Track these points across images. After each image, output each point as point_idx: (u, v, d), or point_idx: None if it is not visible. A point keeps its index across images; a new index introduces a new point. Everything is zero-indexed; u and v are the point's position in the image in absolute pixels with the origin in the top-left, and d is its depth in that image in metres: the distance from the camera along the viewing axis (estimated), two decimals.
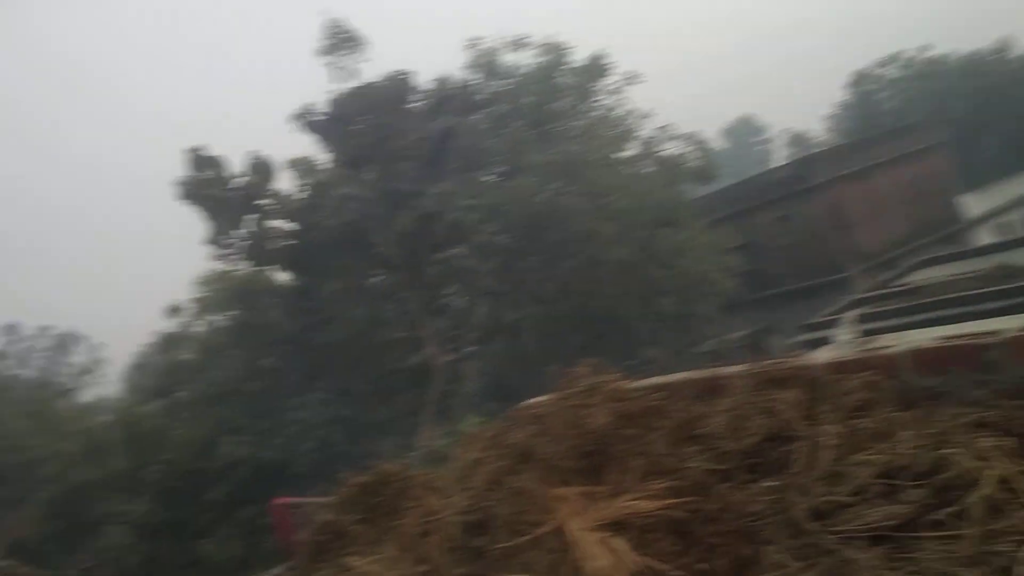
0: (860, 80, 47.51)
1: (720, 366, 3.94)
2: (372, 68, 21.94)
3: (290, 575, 6.92)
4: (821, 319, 23.93)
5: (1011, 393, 2.66)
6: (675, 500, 2.60)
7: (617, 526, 2.53)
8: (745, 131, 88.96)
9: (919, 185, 34.86)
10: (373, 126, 20.85)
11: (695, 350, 22.95)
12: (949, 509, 2.23)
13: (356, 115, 21.05)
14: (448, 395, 23.98)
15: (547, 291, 22.91)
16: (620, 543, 2.42)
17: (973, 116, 40.04)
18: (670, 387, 3.92)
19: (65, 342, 68.15)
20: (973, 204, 35.34)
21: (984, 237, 33.75)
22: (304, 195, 21.86)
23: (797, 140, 71.85)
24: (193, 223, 25.49)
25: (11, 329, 65.98)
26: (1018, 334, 2.67)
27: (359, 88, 20.87)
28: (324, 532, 6.07)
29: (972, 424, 2.50)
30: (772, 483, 2.71)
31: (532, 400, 5.19)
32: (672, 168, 26.67)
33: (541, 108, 26.42)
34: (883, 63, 47.12)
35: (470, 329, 27.04)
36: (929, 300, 18.74)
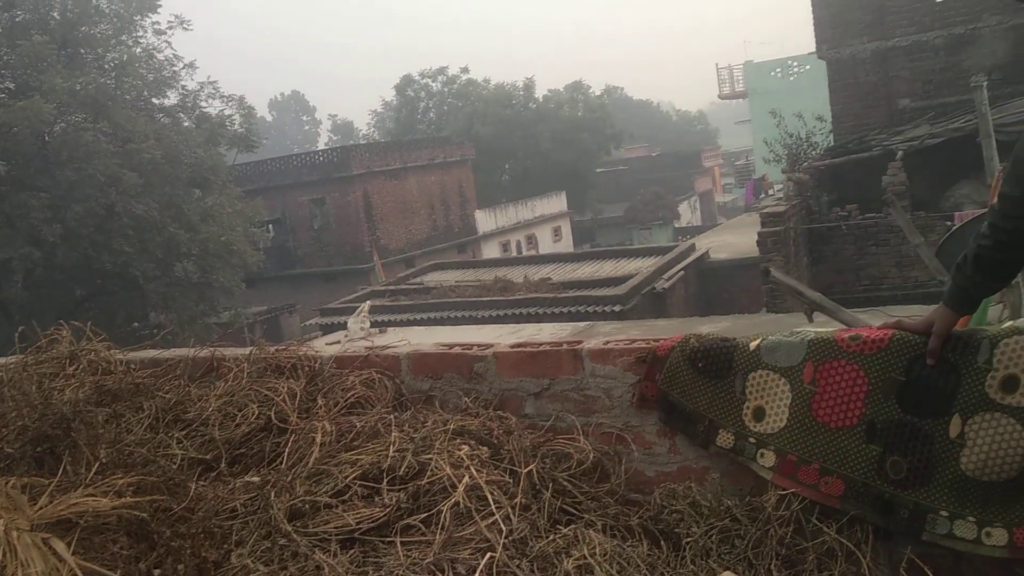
0: (406, 85, 50.20)
1: (224, 346, 3.71)
2: None
3: None
4: (338, 304, 24.76)
5: (491, 403, 2.86)
6: (136, 498, 2.28)
7: (62, 526, 2.15)
8: (294, 107, 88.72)
9: (444, 194, 38.08)
10: None
11: (209, 320, 22.05)
12: (422, 515, 2.29)
13: None
14: None
15: (49, 234, 20.11)
16: (61, 546, 2.04)
17: (496, 141, 44.73)
18: (166, 363, 3.60)
19: None
20: (484, 220, 39.58)
21: (489, 251, 38.06)
22: None
23: (342, 128, 73.72)
24: None
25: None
26: (503, 350, 2.87)
27: None
28: None
29: (454, 431, 2.61)
30: (254, 479, 2.57)
31: None
32: (213, 128, 25.32)
33: (71, 28, 23.24)
34: (428, 74, 50.41)
35: None
36: (437, 301, 20.39)
